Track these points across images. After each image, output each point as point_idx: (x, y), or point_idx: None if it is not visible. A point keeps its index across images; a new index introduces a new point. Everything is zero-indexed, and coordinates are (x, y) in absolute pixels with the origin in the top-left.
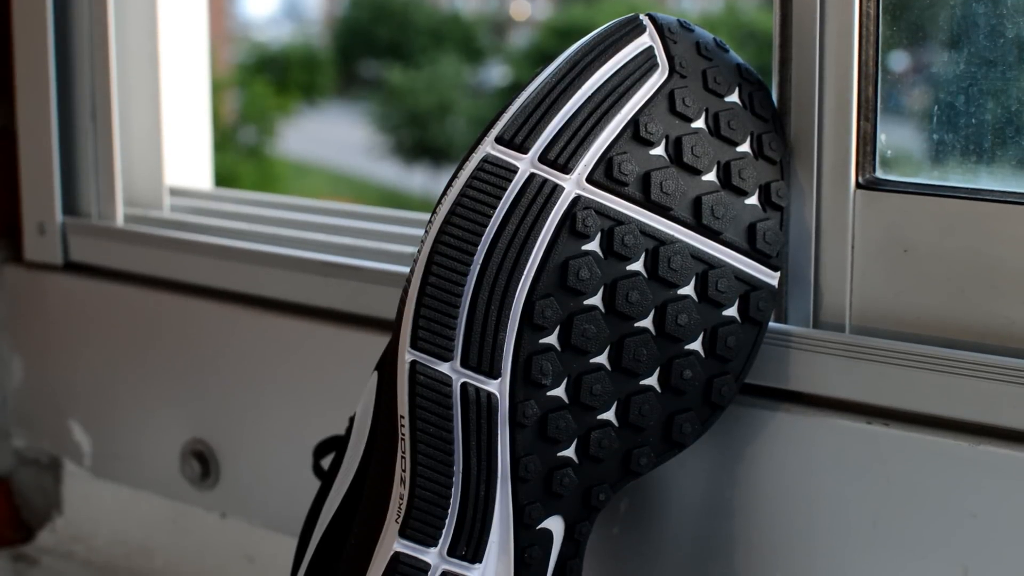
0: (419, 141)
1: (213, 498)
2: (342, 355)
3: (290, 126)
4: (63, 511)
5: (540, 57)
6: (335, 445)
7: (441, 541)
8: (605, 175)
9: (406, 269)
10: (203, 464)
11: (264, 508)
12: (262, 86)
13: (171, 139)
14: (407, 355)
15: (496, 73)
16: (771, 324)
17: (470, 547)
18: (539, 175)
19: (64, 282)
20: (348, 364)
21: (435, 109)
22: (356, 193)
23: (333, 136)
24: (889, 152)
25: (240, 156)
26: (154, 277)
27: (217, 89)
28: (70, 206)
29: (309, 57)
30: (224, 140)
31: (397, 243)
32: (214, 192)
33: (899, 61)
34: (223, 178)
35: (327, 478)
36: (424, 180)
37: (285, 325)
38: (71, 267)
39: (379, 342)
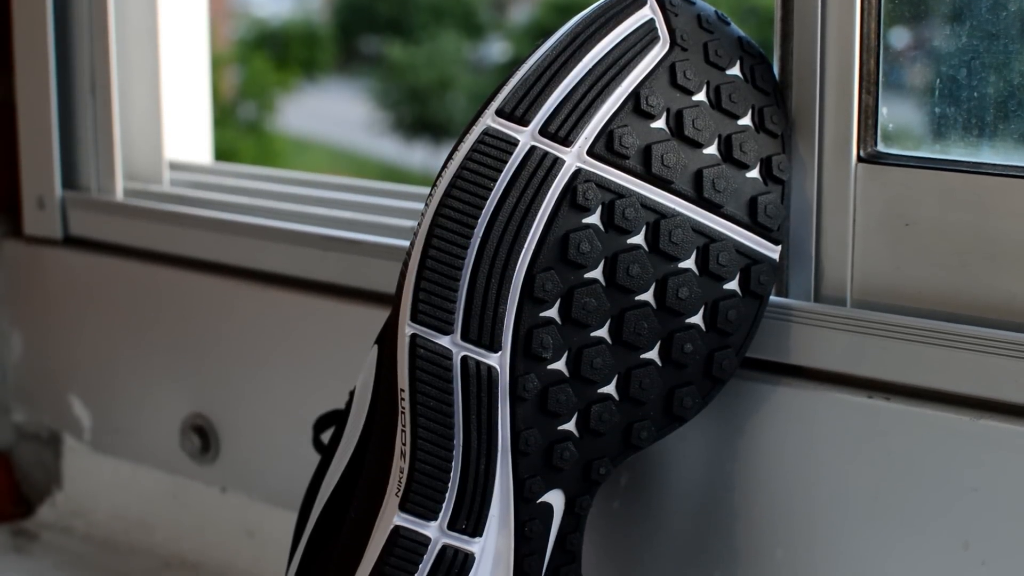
0: (419, 117)
1: (213, 472)
2: (342, 329)
3: (290, 102)
4: (63, 486)
5: (540, 33)
6: (335, 419)
7: (441, 515)
8: (606, 148)
9: (406, 243)
10: (203, 438)
11: (264, 482)
12: (262, 62)
13: (171, 113)
14: (407, 328)
15: (496, 49)
16: (772, 298)
17: (470, 521)
18: (540, 148)
19: (64, 257)
20: (348, 338)
21: (435, 85)
22: (356, 169)
23: (333, 112)
24: (891, 126)
25: (240, 132)
26: (154, 251)
27: (217, 65)
28: (69, 180)
29: (309, 33)
30: (224, 116)
31: (397, 217)
32: (214, 166)
33: (901, 35)
34: (223, 154)
35: (327, 452)
36: (424, 156)
37: (285, 299)
38: (71, 241)
39: (379, 316)
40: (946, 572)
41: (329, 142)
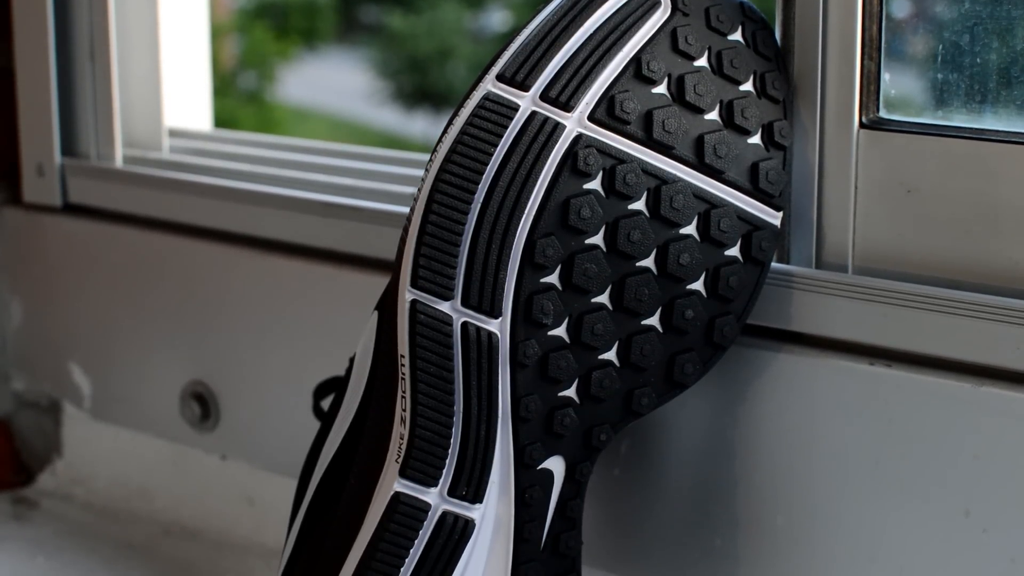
0: (419, 87)
1: (213, 440)
2: (342, 295)
3: (290, 72)
4: (63, 454)
5: (540, 2)
6: (335, 386)
7: (441, 481)
8: (607, 113)
9: (407, 209)
10: (203, 406)
11: (264, 450)
12: (262, 31)
13: (170, 80)
14: (407, 294)
15: (497, 18)
16: (773, 264)
17: (471, 487)
18: (540, 113)
19: (63, 224)
20: (348, 304)
21: (435, 55)
22: (356, 139)
23: (333, 82)
24: (893, 92)
25: (240, 101)
26: (153, 219)
27: (217, 34)
28: (69, 147)
29: (309, 3)
30: (224, 85)
31: (398, 183)
32: (214, 133)
33: (903, 2)
34: (223, 123)
35: (327, 419)
36: (425, 126)
37: (285, 266)
38: (70, 209)
39: (379, 282)
40: (947, 539)
41: (329, 112)
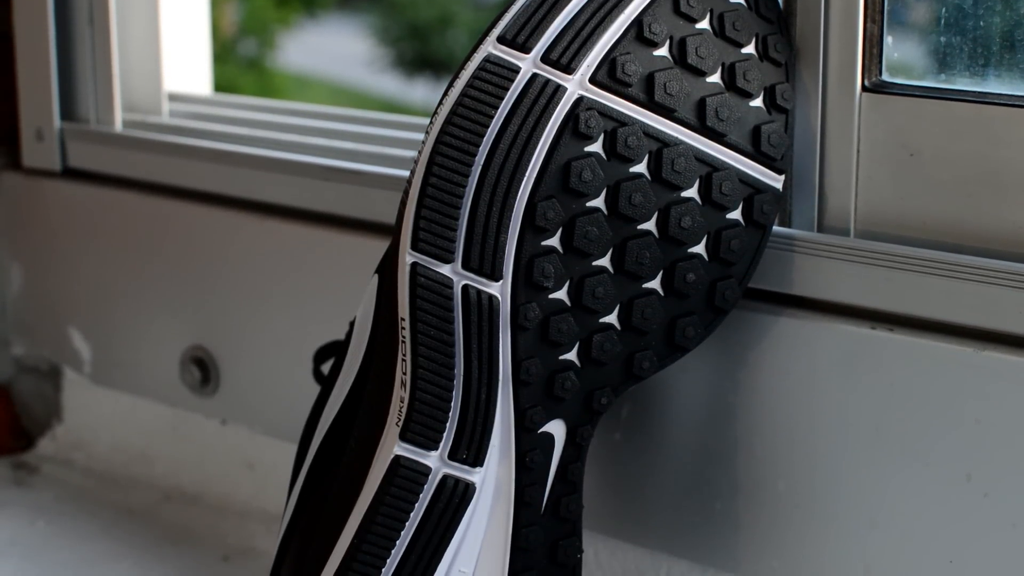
0: (420, 54)
1: (213, 405)
2: (343, 260)
3: (290, 39)
4: (63, 419)
5: None
6: (335, 350)
7: (442, 445)
8: (608, 76)
9: (407, 173)
10: (203, 371)
11: (264, 414)
12: None
13: (170, 44)
14: (408, 257)
15: None
16: (775, 228)
17: (471, 450)
18: (542, 75)
19: (62, 188)
20: (349, 269)
21: (436, 22)
22: (357, 106)
23: (334, 49)
24: (896, 55)
25: (240, 68)
26: (153, 183)
27: (217, 1)
28: (68, 112)
29: None
30: (224, 52)
31: (398, 147)
32: (213, 98)
33: None
34: (223, 90)
35: (327, 383)
36: (425, 93)
37: (285, 230)
38: (69, 173)
39: (380, 247)
40: (948, 503)
41: (329, 79)
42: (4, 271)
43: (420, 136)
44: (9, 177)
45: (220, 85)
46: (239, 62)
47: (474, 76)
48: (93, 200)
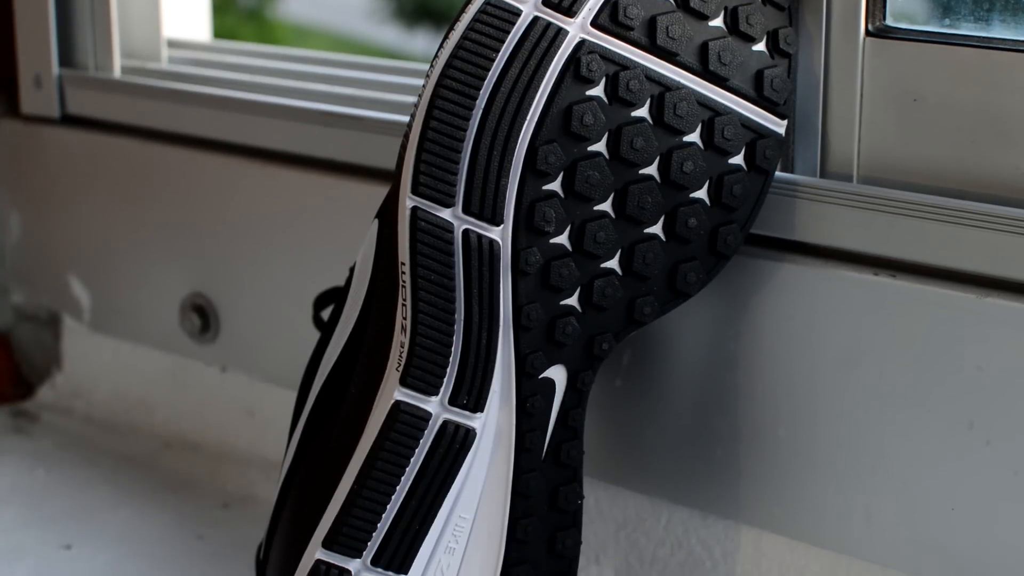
0: (420, 4)
1: (213, 352)
2: (342, 206)
3: None
4: (63, 367)
5: None
6: (335, 296)
7: (442, 390)
8: (610, 19)
9: (407, 119)
10: (203, 318)
11: (264, 361)
12: None
13: None
14: (408, 201)
15: None
16: (777, 173)
17: (471, 396)
18: (543, 18)
19: (61, 135)
20: (348, 214)
21: None
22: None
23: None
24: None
25: (240, 19)
26: (152, 129)
27: None
28: (67, 58)
29: None
30: (224, 2)
31: (398, 93)
32: (213, 44)
33: None
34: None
35: (327, 329)
36: (425, 44)
37: (285, 176)
38: (68, 120)
39: (380, 192)
40: (950, 451)
41: (330, 29)
42: (3, 219)
43: (420, 82)
44: (7, 124)
45: (220, 35)
46: (239, 12)
47: (475, 19)
48: (92, 147)
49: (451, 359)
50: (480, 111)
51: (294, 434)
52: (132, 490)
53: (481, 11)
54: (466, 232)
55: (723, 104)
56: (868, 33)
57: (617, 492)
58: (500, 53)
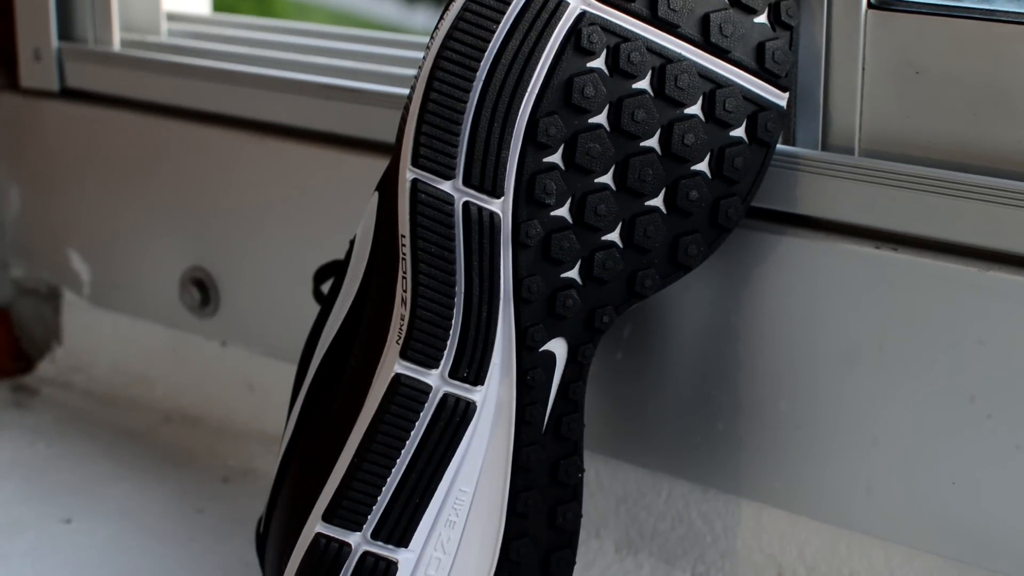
0: None
1: (213, 326)
2: (343, 179)
3: None
4: (63, 341)
5: None
6: (335, 269)
7: (442, 363)
8: None
9: (408, 91)
10: (203, 292)
11: (264, 335)
12: None
13: None
14: (408, 173)
15: None
16: (779, 146)
17: (472, 369)
18: None
19: (61, 109)
20: (348, 188)
21: None
22: None
23: None
24: None
25: None
26: (152, 103)
27: None
28: (66, 31)
29: None
30: None
31: (398, 66)
32: (212, 17)
33: None
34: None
35: (327, 302)
36: (425, 19)
37: (285, 149)
38: (67, 93)
39: (380, 165)
40: (951, 425)
41: (330, 4)
42: (3, 193)
43: (420, 55)
44: (7, 98)
45: (220, 9)
46: None
47: None
48: (91, 120)
49: (451, 332)
50: (480, 83)
51: (294, 408)
52: (132, 464)
53: None
54: (466, 204)
55: (724, 76)
56: (870, 5)
57: (618, 466)
58: (501, 25)
